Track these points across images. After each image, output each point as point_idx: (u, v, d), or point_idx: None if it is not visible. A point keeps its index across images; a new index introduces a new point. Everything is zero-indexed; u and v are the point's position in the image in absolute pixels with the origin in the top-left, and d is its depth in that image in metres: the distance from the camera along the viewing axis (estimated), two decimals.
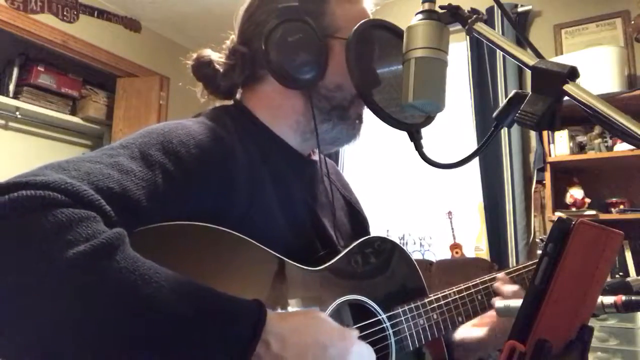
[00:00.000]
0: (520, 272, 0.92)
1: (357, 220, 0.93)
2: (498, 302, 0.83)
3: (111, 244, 0.45)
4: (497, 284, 0.87)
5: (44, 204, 0.45)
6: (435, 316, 0.80)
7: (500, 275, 0.89)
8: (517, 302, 0.80)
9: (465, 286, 0.87)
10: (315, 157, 0.90)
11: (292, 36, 0.71)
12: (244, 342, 0.48)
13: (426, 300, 0.81)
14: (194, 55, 0.79)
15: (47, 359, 0.43)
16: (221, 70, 0.78)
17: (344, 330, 0.59)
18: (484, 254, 2.67)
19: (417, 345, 0.77)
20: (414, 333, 0.77)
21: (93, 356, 0.43)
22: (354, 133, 0.81)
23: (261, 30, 0.73)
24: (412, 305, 0.79)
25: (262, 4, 0.77)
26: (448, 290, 0.85)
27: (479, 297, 0.87)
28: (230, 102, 0.84)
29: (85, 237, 0.44)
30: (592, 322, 1.65)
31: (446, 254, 2.88)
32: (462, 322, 0.84)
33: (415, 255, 2.93)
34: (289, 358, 0.51)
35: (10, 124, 3.36)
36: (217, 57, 0.79)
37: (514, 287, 0.86)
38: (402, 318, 0.76)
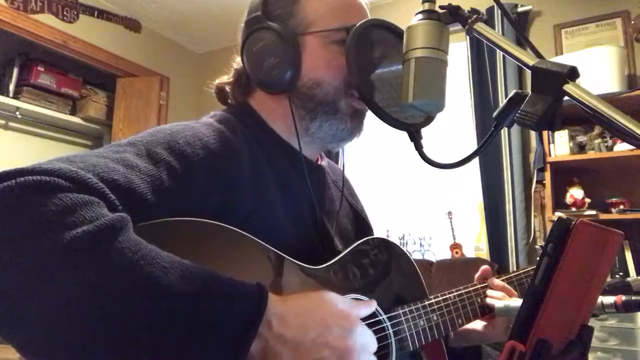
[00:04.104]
0: (520, 278, 0.93)
1: (362, 229, 0.93)
2: (498, 303, 0.83)
3: (114, 225, 0.46)
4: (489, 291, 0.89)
5: (49, 189, 0.46)
6: (435, 317, 0.80)
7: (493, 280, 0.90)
8: (517, 302, 0.81)
9: (466, 290, 0.88)
10: (323, 163, 0.91)
11: (256, 45, 0.74)
12: (247, 321, 0.48)
13: (426, 302, 0.81)
14: (215, 82, 0.87)
15: (47, 336, 0.43)
16: (227, 89, 0.85)
17: (347, 312, 0.58)
18: (484, 254, 2.67)
19: (417, 346, 0.77)
20: (414, 334, 0.77)
21: (94, 333, 0.43)
22: (352, 127, 0.79)
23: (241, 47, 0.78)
24: (413, 307, 0.79)
25: (244, 21, 0.81)
26: (448, 293, 0.85)
27: (479, 300, 0.87)
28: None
29: (89, 219, 0.45)
30: (592, 322, 1.65)
31: (446, 254, 2.88)
32: (462, 325, 0.85)
33: (415, 255, 2.92)
34: (290, 337, 0.51)
35: (10, 124, 3.36)
36: (225, 79, 0.86)
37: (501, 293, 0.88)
38: (403, 319, 0.77)
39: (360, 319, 0.60)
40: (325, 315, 0.55)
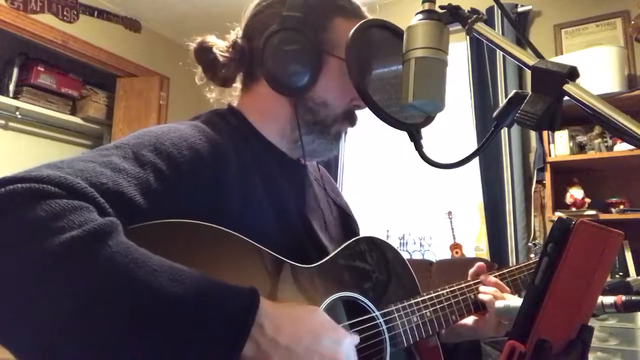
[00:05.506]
0: (513, 274, 0.93)
1: (348, 224, 0.94)
2: (498, 302, 0.83)
3: (103, 229, 0.46)
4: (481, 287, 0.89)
5: (38, 196, 0.46)
6: (428, 314, 0.81)
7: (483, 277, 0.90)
8: (517, 302, 0.81)
9: (458, 286, 0.88)
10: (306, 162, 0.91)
11: (288, 45, 0.73)
12: (239, 324, 0.48)
13: (419, 299, 0.82)
14: (198, 39, 0.80)
15: (40, 341, 0.43)
16: (220, 59, 0.78)
17: (336, 325, 0.61)
18: (484, 254, 2.67)
19: (411, 342, 0.77)
20: (408, 330, 0.77)
21: (85, 338, 0.43)
22: (332, 148, 0.83)
23: (262, 32, 0.75)
24: (406, 303, 0.79)
25: (271, 5, 0.79)
26: (441, 290, 0.85)
27: (472, 297, 0.88)
28: (224, 105, 0.85)
29: (78, 223, 0.45)
30: (592, 322, 1.65)
31: (446, 254, 2.88)
32: (456, 321, 0.85)
33: (415, 255, 2.92)
34: (282, 343, 0.51)
35: (10, 124, 3.36)
36: (220, 46, 0.80)
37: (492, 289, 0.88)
38: (396, 315, 0.77)
39: (354, 317, 0.61)
40: (317, 326, 0.57)
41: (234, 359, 0.47)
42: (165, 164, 0.61)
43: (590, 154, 2.26)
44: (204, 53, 0.79)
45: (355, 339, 0.65)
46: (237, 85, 0.84)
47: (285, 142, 0.81)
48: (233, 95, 0.86)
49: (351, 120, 0.82)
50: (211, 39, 0.80)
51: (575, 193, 2.33)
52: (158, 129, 0.67)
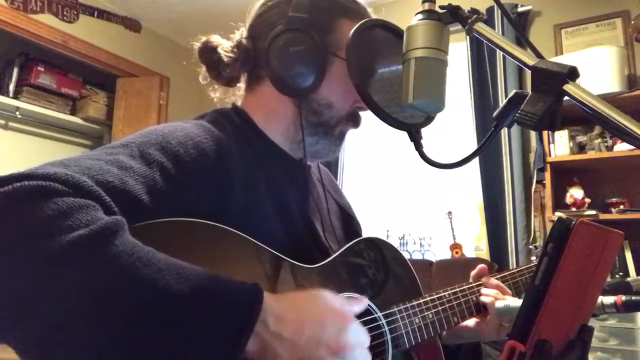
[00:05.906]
0: (515, 276, 0.93)
1: (350, 225, 0.94)
2: (498, 302, 0.83)
3: (109, 228, 0.46)
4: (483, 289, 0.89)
5: (45, 193, 0.46)
6: (430, 315, 0.81)
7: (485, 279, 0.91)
8: (517, 302, 0.81)
9: (460, 288, 0.88)
10: (309, 162, 0.91)
11: (294, 46, 0.73)
12: (243, 321, 0.48)
13: (421, 300, 0.82)
14: (203, 39, 0.81)
15: (46, 339, 0.43)
16: (225, 59, 0.79)
17: (341, 310, 0.60)
18: (484, 254, 2.67)
19: (413, 344, 0.77)
20: (410, 331, 0.77)
21: (91, 336, 0.44)
22: (335, 150, 0.83)
23: (268, 32, 0.75)
24: (408, 305, 0.79)
25: (276, 5, 0.78)
26: (443, 291, 0.85)
27: (474, 299, 0.88)
28: (229, 104, 0.85)
29: (85, 222, 0.45)
30: (592, 322, 1.65)
31: (446, 254, 2.88)
32: (457, 323, 0.85)
33: (415, 255, 2.92)
34: (286, 335, 0.51)
35: (10, 124, 3.36)
36: (224, 46, 0.80)
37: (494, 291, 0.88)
38: (398, 316, 0.77)
39: (356, 317, 0.60)
40: (320, 314, 0.57)
41: (236, 354, 0.47)
42: (171, 163, 0.61)
43: (590, 154, 2.26)
44: (209, 53, 0.80)
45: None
46: (241, 84, 0.85)
47: (289, 143, 0.81)
48: (237, 94, 0.86)
49: (355, 121, 0.82)
50: (215, 39, 0.80)
51: (575, 193, 2.33)
52: (164, 128, 0.67)
